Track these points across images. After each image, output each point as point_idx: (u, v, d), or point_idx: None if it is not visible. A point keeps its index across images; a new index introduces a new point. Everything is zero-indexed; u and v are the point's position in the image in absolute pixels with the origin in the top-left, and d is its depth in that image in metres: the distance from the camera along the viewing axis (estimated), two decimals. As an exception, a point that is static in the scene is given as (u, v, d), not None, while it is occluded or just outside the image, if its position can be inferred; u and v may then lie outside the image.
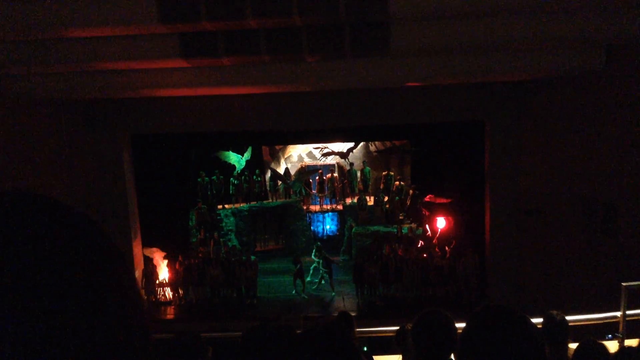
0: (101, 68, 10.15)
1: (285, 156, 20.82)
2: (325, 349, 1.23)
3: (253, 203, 18.25)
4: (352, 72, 10.42)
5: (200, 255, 14.63)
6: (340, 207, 18.93)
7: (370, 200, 17.26)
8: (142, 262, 14.53)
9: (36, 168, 12.35)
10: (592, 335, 5.60)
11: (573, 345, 4.00)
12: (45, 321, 0.45)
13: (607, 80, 10.26)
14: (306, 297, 14.25)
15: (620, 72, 9.99)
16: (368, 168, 18.18)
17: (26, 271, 0.45)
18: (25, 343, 0.43)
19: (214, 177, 17.32)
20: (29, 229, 0.48)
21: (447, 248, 14.05)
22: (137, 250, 14.40)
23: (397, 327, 4.64)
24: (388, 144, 19.71)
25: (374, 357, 4.65)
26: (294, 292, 14.37)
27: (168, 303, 14.24)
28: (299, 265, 14.25)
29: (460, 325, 1.66)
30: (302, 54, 9.45)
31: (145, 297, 14.05)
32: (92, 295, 0.49)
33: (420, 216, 16.26)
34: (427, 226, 15.93)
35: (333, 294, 14.37)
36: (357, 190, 18.04)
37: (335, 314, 3.85)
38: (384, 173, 18.15)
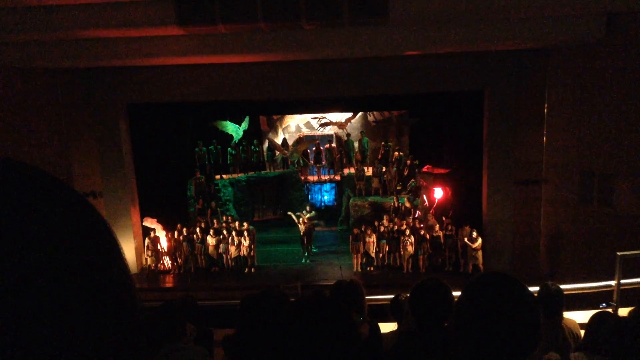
0: (96, 36, 9.99)
1: (283, 126, 20.75)
2: (319, 316, 1.23)
3: (251, 173, 18.25)
4: (351, 41, 10.28)
5: (198, 224, 14.70)
6: (337, 177, 18.95)
7: (368, 171, 17.28)
8: (140, 231, 14.60)
9: (33, 137, 12.27)
10: (587, 304, 5.68)
11: (567, 314, 4.05)
12: (29, 298, 0.44)
13: (607, 50, 10.15)
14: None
15: (620, 42, 9.87)
16: (366, 138, 18.12)
17: (6, 242, 0.44)
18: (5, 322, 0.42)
19: (212, 147, 17.27)
20: (10, 197, 0.46)
21: (444, 218, 14.11)
22: (136, 219, 14.46)
23: (392, 296, 4.68)
24: (386, 114, 19.63)
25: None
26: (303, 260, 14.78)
27: (167, 272, 14.37)
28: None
29: (457, 294, 1.67)
30: (300, 22, 9.30)
31: (152, 266, 14.14)
32: (78, 268, 0.48)
33: (418, 186, 16.29)
34: (424, 196, 15.97)
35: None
36: (353, 161, 18.03)
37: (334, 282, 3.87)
38: (382, 143, 18.11)
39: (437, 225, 13.93)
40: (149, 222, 14.43)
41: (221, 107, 16.06)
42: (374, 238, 13.72)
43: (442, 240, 13.61)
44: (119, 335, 0.51)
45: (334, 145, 18.81)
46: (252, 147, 18.12)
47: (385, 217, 14.47)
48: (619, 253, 5.63)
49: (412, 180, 16.19)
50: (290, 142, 19.65)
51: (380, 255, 13.88)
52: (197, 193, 16.30)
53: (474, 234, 13.11)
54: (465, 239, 13.17)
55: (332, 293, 3.54)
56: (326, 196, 19.90)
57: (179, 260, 14.24)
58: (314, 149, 18.74)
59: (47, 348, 0.44)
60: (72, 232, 0.49)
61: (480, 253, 13.11)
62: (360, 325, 3.43)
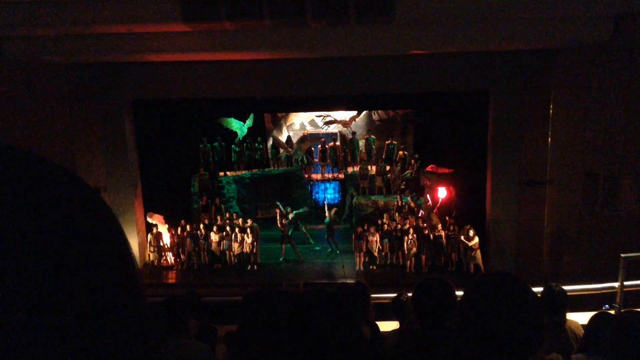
0: (101, 31, 10.01)
1: (287, 124, 20.72)
2: (321, 313, 1.23)
3: (255, 170, 18.27)
4: (356, 39, 10.26)
5: (202, 221, 14.71)
6: (341, 175, 18.94)
7: (372, 170, 17.25)
8: (143, 226, 14.63)
9: (37, 132, 12.30)
10: (590, 305, 5.67)
11: (570, 316, 4.05)
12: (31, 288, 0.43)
13: (613, 52, 10.10)
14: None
15: (626, 44, 9.83)
16: (372, 137, 18.10)
17: (12, 233, 0.43)
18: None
19: (216, 144, 17.28)
20: (16, 185, 0.46)
21: (447, 218, 14.09)
22: (139, 215, 14.49)
23: (394, 295, 4.69)
24: (391, 113, 19.58)
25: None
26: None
27: (170, 268, 14.39)
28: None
29: (460, 293, 1.67)
30: (306, 20, 9.29)
31: (155, 262, 14.16)
32: (86, 260, 0.48)
33: (422, 186, 16.28)
34: (428, 196, 15.95)
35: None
36: (358, 160, 18.01)
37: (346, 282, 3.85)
38: (387, 142, 18.09)
39: (440, 225, 13.90)
40: (154, 219, 14.44)
41: (226, 104, 16.07)
42: (377, 237, 13.72)
43: (444, 240, 13.59)
44: (125, 330, 0.51)
45: (338, 143, 18.79)
46: (256, 144, 18.12)
47: (385, 215, 14.47)
48: (622, 255, 5.63)
49: (407, 171, 16.20)
50: (294, 140, 19.64)
51: (383, 253, 13.88)
52: (200, 190, 16.33)
53: (471, 233, 13.05)
54: (462, 237, 13.14)
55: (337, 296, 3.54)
56: (330, 194, 19.87)
57: (182, 256, 14.26)
58: (318, 146, 18.73)
59: (52, 344, 0.43)
60: (80, 221, 0.48)
61: (478, 253, 13.04)
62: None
